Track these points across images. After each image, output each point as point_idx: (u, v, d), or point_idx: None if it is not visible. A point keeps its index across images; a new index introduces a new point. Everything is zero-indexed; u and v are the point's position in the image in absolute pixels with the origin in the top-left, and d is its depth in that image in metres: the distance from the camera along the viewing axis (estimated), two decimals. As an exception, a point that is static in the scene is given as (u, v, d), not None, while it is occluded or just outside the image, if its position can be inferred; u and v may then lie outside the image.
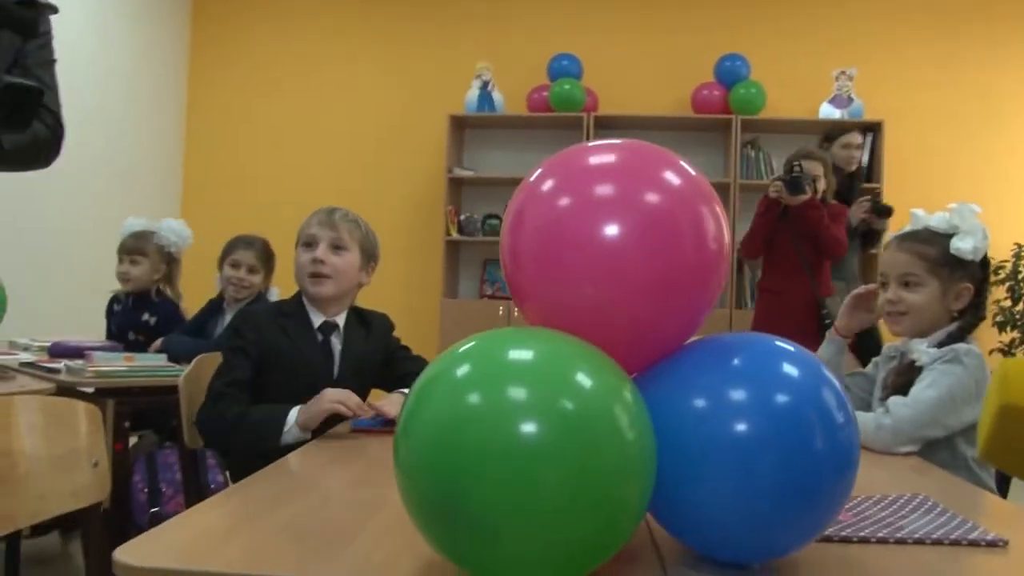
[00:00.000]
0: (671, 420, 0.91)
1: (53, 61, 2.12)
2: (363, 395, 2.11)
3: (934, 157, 5.66)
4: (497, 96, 5.85)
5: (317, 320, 2.10)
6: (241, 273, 3.26)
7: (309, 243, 2.08)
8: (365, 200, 6.04)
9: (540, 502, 0.79)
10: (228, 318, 3.23)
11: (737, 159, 5.49)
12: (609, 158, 1.02)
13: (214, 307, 3.36)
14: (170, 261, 3.50)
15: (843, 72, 5.56)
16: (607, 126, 5.75)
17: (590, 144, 1.05)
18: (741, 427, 0.89)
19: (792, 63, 5.78)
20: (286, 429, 1.82)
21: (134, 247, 3.43)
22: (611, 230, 0.94)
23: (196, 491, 2.03)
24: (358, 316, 2.17)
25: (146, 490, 2.60)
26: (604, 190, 0.97)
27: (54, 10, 2.01)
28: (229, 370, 1.97)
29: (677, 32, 5.90)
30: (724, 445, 0.90)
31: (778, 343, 0.98)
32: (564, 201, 0.98)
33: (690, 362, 0.97)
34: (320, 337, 2.08)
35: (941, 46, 5.71)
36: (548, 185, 1.01)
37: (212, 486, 2.62)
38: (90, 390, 2.57)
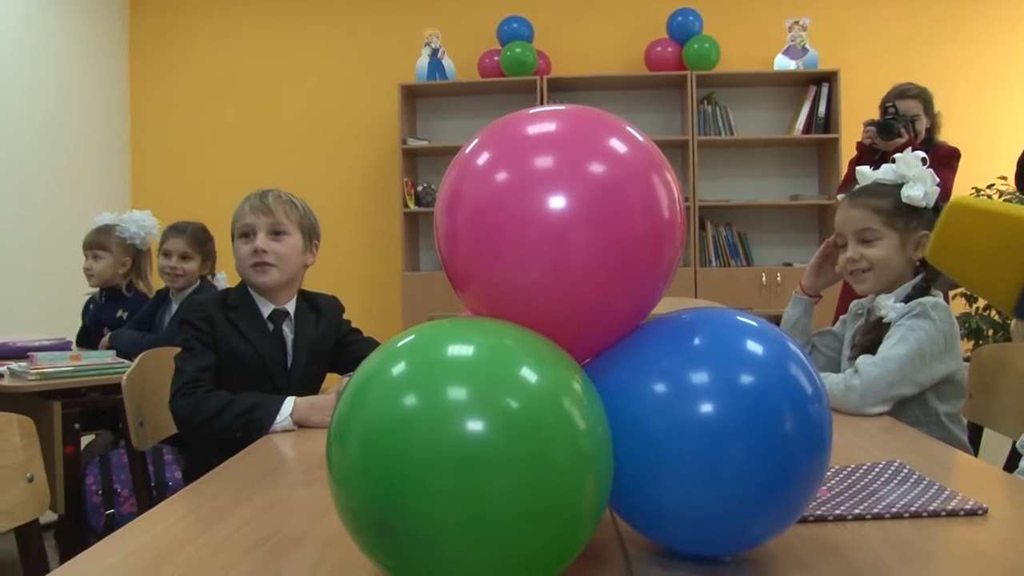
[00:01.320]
0: (628, 408, 0.85)
1: None
2: (318, 382, 2.05)
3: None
4: (448, 63, 5.72)
5: (266, 309, 2.00)
6: (173, 261, 3.15)
7: (246, 233, 1.98)
8: (320, 177, 5.94)
9: (488, 511, 0.72)
10: (174, 308, 3.13)
11: (694, 115, 5.41)
12: (549, 127, 0.94)
13: (160, 298, 3.26)
14: (136, 254, 3.42)
15: (796, 22, 5.48)
16: (561, 88, 5.65)
17: (529, 112, 0.96)
18: (704, 411, 0.83)
19: (745, 15, 5.69)
20: (279, 420, 1.73)
21: (95, 242, 3.37)
22: (553, 205, 0.86)
23: (147, 493, 1.94)
24: (307, 301, 2.08)
25: (100, 492, 2.51)
26: (544, 162, 0.89)
27: None
28: (194, 356, 1.88)
29: (628, -11, 5.79)
30: (687, 431, 0.83)
31: (739, 318, 0.91)
32: (501, 176, 0.89)
33: (646, 344, 0.90)
34: (271, 327, 1.99)
35: (893, -9, 5.65)
36: (483, 159, 0.92)
37: (170, 484, 2.53)
38: (35, 392, 2.46)
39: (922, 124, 3.46)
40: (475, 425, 0.72)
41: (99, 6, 5.86)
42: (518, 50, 5.50)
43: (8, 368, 2.58)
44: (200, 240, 3.16)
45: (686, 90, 5.41)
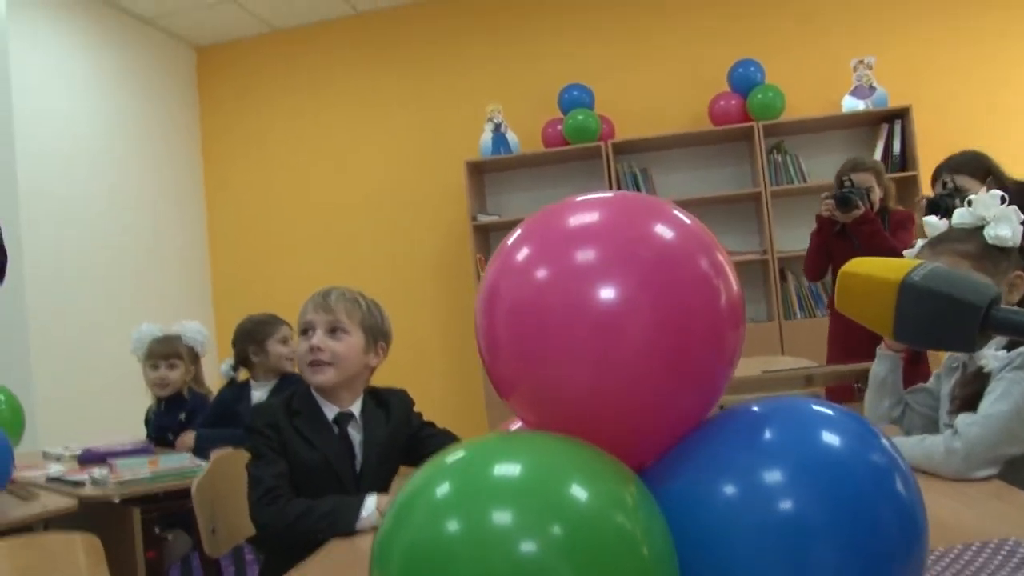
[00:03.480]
0: (698, 515, 0.77)
1: None
2: (389, 481, 1.99)
3: (967, 136, 5.42)
4: (511, 136, 5.75)
5: (331, 412, 1.96)
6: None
7: (306, 330, 1.95)
8: (393, 260, 6.00)
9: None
10: (257, 395, 3.19)
11: (764, 166, 5.31)
12: (591, 215, 0.88)
13: (237, 393, 3.29)
14: (196, 360, 3.49)
15: (861, 61, 5.36)
16: (626, 151, 5.62)
17: (572, 200, 0.91)
18: (785, 513, 0.75)
19: (807, 60, 5.59)
20: (364, 515, 1.70)
21: (170, 351, 3.44)
22: (599, 297, 0.80)
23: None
24: (374, 398, 2.03)
25: (184, 598, 2.49)
26: (587, 253, 0.84)
27: None
28: (267, 464, 1.85)
29: (686, 45, 5.74)
30: (767, 536, 0.75)
31: (814, 407, 0.83)
32: (541, 270, 0.84)
33: (713, 442, 0.82)
34: (336, 430, 1.95)
35: (959, 20, 5.48)
36: (523, 255, 0.87)
37: (253, 585, 2.50)
38: (116, 500, 2.47)
39: (876, 195, 3.61)
40: (522, 551, 0.66)
41: (172, 100, 6.10)
42: (580, 117, 5.50)
43: (90, 476, 2.60)
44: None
45: (754, 141, 5.32)
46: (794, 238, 5.36)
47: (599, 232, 0.85)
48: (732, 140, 5.59)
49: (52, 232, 4.80)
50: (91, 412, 4.51)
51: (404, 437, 2.01)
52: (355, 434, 1.97)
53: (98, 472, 2.60)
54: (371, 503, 1.73)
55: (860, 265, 0.91)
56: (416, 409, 2.09)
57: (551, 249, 0.85)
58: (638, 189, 5.52)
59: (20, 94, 4.71)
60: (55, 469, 3.04)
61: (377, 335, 2.00)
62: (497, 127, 5.75)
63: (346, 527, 1.70)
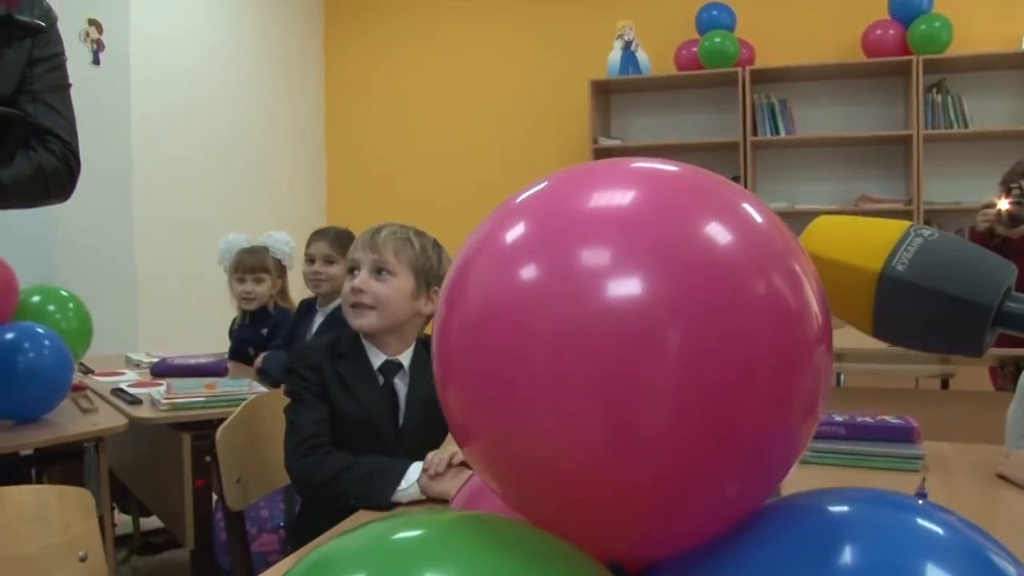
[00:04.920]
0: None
1: (64, 86, 1.90)
2: (435, 442, 1.78)
3: None
4: (642, 56, 5.36)
5: (377, 360, 1.76)
6: (316, 266, 3.03)
7: (352, 268, 1.76)
8: (507, 181, 5.74)
9: None
10: (319, 319, 3.01)
11: (920, 106, 4.76)
12: (616, 198, 0.59)
13: (302, 312, 3.15)
14: (283, 273, 3.35)
15: (1050, -7, 4.71)
16: (765, 79, 5.16)
17: (587, 167, 0.63)
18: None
19: (983, -12, 4.95)
20: (403, 487, 1.51)
21: (257, 264, 3.31)
22: (612, 317, 0.52)
23: (245, 556, 1.75)
24: (429, 349, 1.80)
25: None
26: (599, 251, 0.55)
27: (37, 31, 1.77)
28: (307, 409, 1.69)
29: (844, -34, 5.18)
30: None
31: (904, 500, 0.55)
32: (529, 261, 0.56)
33: (758, 552, 0.55)
34: (381, 380, 1.75)
35: None
36: (513, 233, 0.59)
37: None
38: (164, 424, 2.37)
39: None
40: None
41: (295, 13, 5.95)
42: (718, 40, 5.08)
43: (150, 394, 2.50)
44: (344, 243, 3.01)
45: (911, 77, 4.77)
46: (946, 189, 4.84)
47: (623, 219, 0.57)
48: (886, 75, 5.05)
49: (164, 144, 4.76)
50: (191, 320, 4.50)
51: None
52: (401, 386, 1.77)
53: (155, 390, 2.51)
54: (413, 473, 1.53)
55: (825, 235, 0.68)
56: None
57: (551, 232, 0.57)
58: (775, 122, 5.08)
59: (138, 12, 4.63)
60: (127, 377, 2.99)
61: (431, 279, 1.77)
62: (627, 45, 5.36)
63: (380, 499, 1.51)
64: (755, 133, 5.06)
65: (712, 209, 0.57)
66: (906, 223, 0.67)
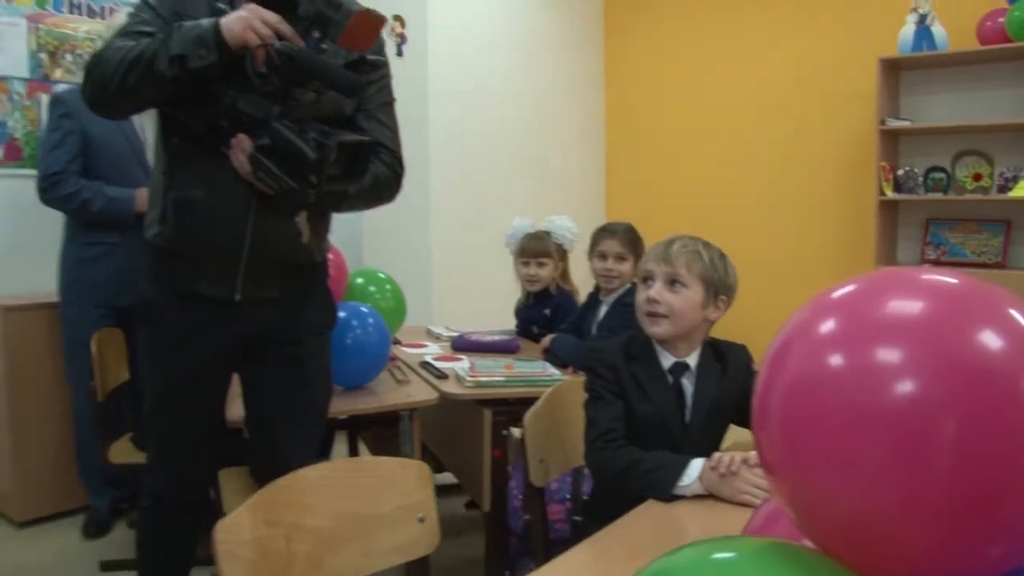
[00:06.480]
0: None
1: (390, 103, 2.17)
2: (718, 439, 1.93)
3: None
4: (938, 29, 5.05)
5: (667, 361, 1.94)
6: (609, 263, 3.19)
7: (646, 278, 1.93)
8: (786, 162, 5.67)
9: None
10: (603, 311, 3.19)
11: None
12: (907, 307, 0.73)
13: (591, 301, 3.35)
14: (564, 257, 3.58)
15: None
16: (1085, 54, 4.71)
17: (887, 275, 0.77)
18: None
19: None
20: (684, 483, 1.68)
21: (540, 249, 3.55)
22: (895, 404, 0.67)
23: (543, 528, 1.98)
24: (714, 351, 1.95)
25: (521, 497, 2.64)
26: (890, 356, 0.69)
27: (381, 66, 2.05)
28: (605, 406, 1.89)
29: None
30: None
31: None
32: (833, 360, 0.71)
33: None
34: (670, 379, 1.92)
35: None
36: (818, 333, 0.75)
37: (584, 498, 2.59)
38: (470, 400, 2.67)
39: None
40: None
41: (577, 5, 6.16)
42: (1029, 10, 4.68)
43: (454, 370, 2.81)
44: (632, 240, 3.17)
45: None
46: None
47: (911, 326, 0.71)
48: None
49: (455, 133, 5.16)
50: (479, 296, 4.87)
51: (738, 394, 1.92)
52: (688, 385, 1.93)
53: (460, 367, 2.82)
54: (695, 470, 1.68)
55: None
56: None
57: (852, 331, 0.73)
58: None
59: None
60: (432, 349, 3.35)
61: (719, 288, 1.92)
62: (922, 19, 5.08)
63: (663, 492, 1.68)
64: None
65: (986, 320, 0.69)
66: None
